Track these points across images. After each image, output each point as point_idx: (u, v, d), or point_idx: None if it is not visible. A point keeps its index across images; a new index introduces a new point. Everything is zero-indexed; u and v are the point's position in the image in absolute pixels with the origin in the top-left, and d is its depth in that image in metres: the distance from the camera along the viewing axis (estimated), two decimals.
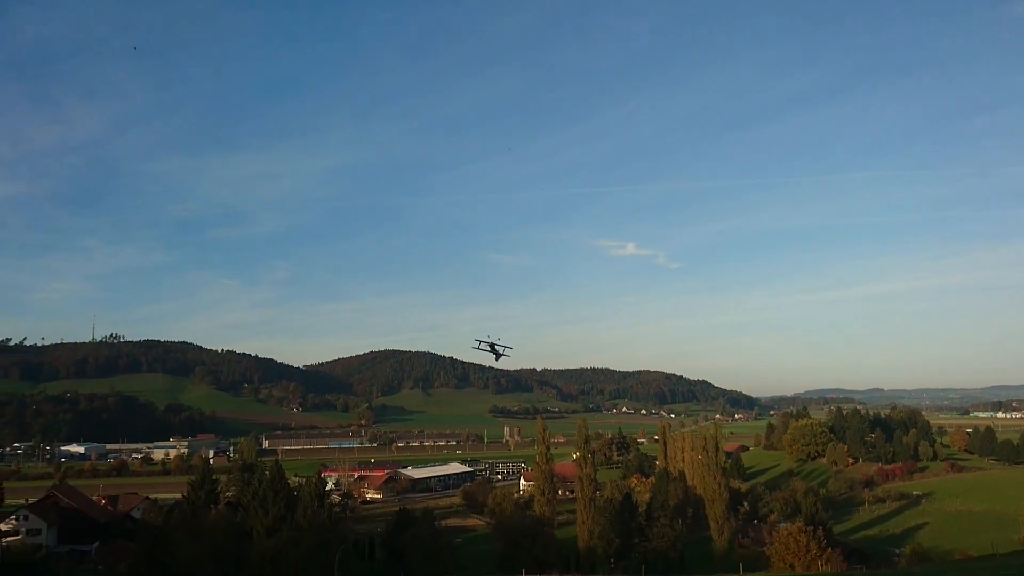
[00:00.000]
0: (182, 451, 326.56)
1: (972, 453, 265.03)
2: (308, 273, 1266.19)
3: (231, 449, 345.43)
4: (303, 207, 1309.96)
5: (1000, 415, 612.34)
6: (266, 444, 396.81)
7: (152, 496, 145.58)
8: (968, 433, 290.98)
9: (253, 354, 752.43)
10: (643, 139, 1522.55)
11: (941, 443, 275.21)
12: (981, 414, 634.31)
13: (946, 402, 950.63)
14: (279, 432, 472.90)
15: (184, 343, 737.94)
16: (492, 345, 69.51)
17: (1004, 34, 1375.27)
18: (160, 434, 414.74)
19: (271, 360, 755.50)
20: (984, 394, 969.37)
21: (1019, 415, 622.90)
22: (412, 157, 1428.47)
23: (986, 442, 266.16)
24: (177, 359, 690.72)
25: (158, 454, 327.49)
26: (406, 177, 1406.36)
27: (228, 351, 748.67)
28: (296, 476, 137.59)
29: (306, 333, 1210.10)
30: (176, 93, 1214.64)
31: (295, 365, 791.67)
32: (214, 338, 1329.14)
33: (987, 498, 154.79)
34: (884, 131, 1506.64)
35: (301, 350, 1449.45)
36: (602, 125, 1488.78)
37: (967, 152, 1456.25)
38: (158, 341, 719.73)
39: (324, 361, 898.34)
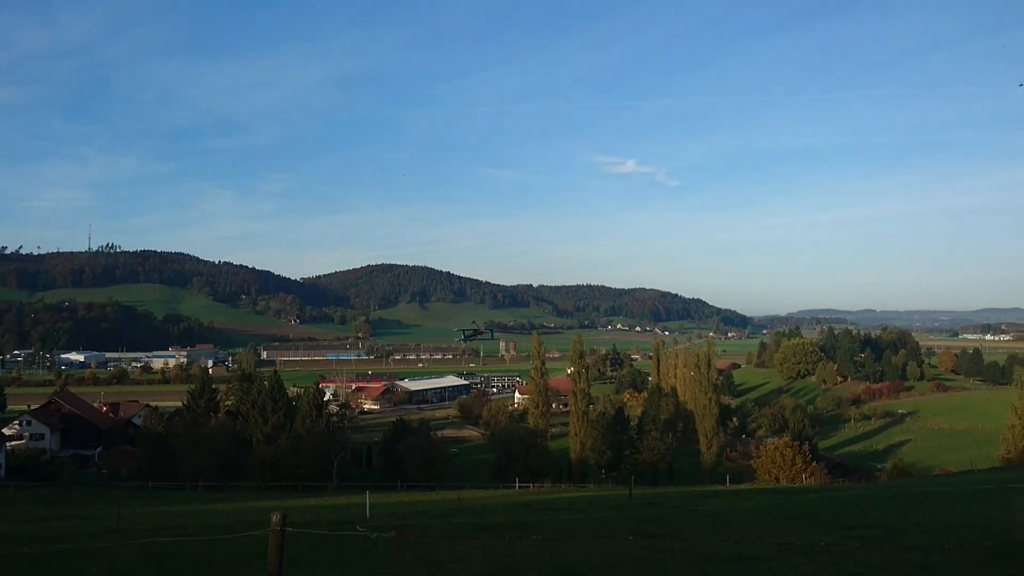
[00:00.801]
0: (181, 360, 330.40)
1: (959, 374, 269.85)
2: (305, 185, 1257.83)
3: (230, 359, 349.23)
4: (301, 117, 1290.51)
5: (989, 337, 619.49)
6: (264, 355, 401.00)
7: (152, 404, 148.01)
8: (956, 355, 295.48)
9: (250, 266, 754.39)
10: (646, 53, 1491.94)
11: (929, 364, 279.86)
12: (970, 336, 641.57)
13: (936, 324, 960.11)
14: (277, 343, 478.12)
15: (181, 254, 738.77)
16: (476, 332, 76.25)
17: None
18: (158, 344, 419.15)
19: (268, 272, 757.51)
20: (974, 316, 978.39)
21: (1007, 337, 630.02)
22: (411, 67, 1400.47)
23: (973, 363, 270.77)
24: (174, 270, 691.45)
25: (157, 363, 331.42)
26: (405, 88, 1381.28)
27: (225, 263, 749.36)
28: (294, 386, 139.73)
29: (303, 246, 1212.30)
30: None
31: (292, 277, 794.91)
32: (211, 249, 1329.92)
33: (970, 417, 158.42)
34: (893, 49, 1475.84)
35: (298, 262, 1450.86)
36: (604, 37, 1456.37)
37: (976, 73, 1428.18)
38: (155, 251, 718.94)
39: (321, 274, 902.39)
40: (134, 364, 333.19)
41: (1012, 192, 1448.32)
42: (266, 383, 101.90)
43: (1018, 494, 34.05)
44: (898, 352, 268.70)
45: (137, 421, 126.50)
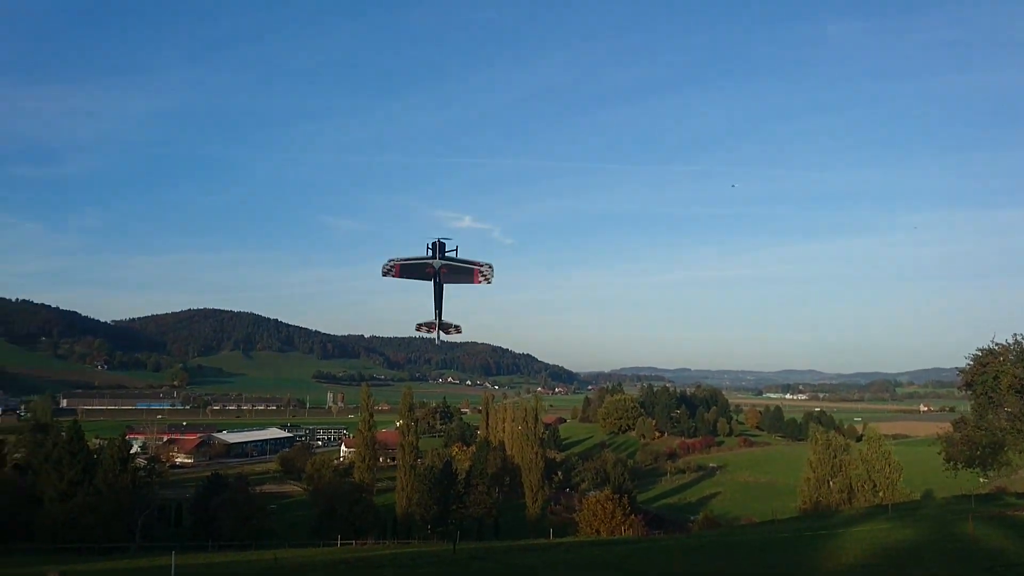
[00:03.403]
0: None
1: (763, 430, 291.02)
2: (124, 221, 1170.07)
3: (23, 407, 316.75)
4: (124, 150, 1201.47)
5: (788, 396, 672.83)
6: (64, 403, 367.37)
7: None
8: (760, 412, 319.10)
9: (54, 305, 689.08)
10: (485, 114, 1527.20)
11: (737, 420, 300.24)
12: (772, 395, 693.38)
13: (743, 383, 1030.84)
14: (80, 391, 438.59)
15: None
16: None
17: (822, 50, 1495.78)
18: None
19: (75, 313, 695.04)
20: (776, 377, 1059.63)
21: (804, 397, 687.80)
22: (248, 108, 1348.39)
23: (775, 420, 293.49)
24: None
25: None
26: (240, 129, 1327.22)
27: (24, 300, 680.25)
28: (97, 438, 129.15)
29: (117, 286, 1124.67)
30: None
31: (102, 320, 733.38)
32: (7, 286, 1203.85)
33: (772, 470, 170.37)
34: (708, 129, 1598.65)
35: (110, 304, 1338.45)
36: (447, 95, 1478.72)
37: (782, 154, 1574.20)
38: None
39: (136, 317, 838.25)
40: None
41: (807, 263, 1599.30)
42: (63, 434, 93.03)
43: (808, 542, 36.90)
44: (710, 409, 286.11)
45: None
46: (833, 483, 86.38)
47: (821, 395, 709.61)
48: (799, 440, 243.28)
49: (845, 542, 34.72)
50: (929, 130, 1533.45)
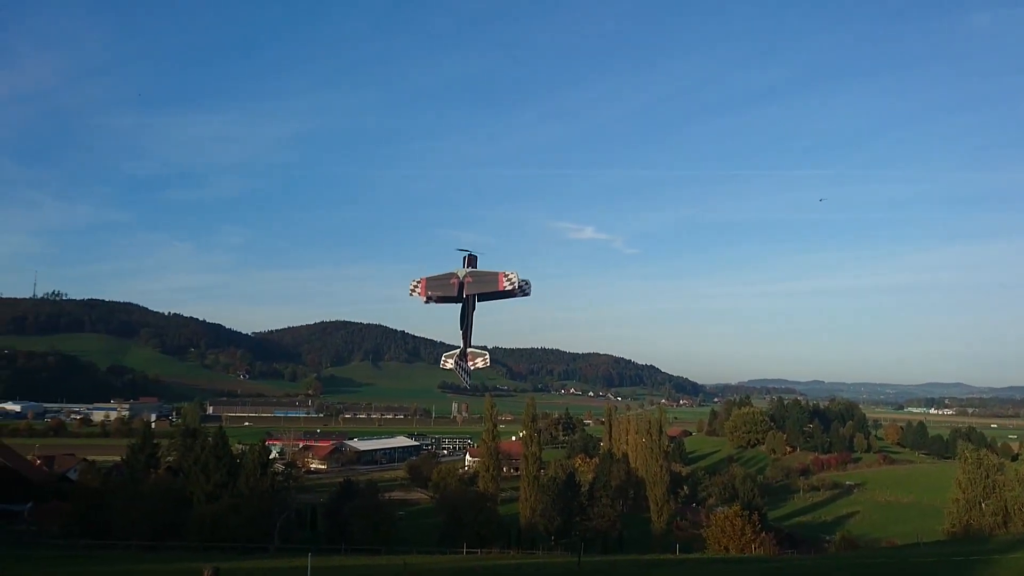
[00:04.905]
0: (123, 414, 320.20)
1: (904, 446, 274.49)
2: (262, 239, 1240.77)
3: (174, 414, 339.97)
4: (262, 172, 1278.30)
5: (932, 411, 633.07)
6: (210, 410, 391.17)
7: (90, 458, 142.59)
8: (901, 427, 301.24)
9: (201, 318, 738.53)
10: (606, 124, 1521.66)
11: (876, 436, 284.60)
12: (915, 409, 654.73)
13: (882, 396, 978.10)
14: (224, 399, 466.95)
15: (129, 304, 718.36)
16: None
17: (961, 44, 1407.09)
18: (101, 396, 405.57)
19: (219, 325, 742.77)
20: (918, 390, 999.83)
21: (950, 412, 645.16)
22: (374, 128, 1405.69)
23: (918, 436, 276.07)
24: (121, 320, 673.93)
25: (98, 416, 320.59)
26: (367, 148, 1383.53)
27: (175, 314, 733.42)
28: (240, 443, 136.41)
29: (257, 300, 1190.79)
30: (136, 46, 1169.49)
31: (244, 332, 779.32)
32: (161, 300, 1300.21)
33: (915, 490, 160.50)
34: (841, 130, 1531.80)
35: (250, 317, 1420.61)
36: (566, 107, 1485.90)
37: (920, 156, 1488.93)
38: (102, 301, 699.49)
39: (274, 329, 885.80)
40: (73, 416, 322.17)
41: (953, 270, 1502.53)
42: (210, 439, 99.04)
43: (960, 568, 34.42)
44: (846, 424, 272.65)
45: (72, 476, 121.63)
46: (985, 505, 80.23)
47: (970, 410, 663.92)
48: (945, 458, 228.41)
49: (1000, 570, 32.20)
50: None
